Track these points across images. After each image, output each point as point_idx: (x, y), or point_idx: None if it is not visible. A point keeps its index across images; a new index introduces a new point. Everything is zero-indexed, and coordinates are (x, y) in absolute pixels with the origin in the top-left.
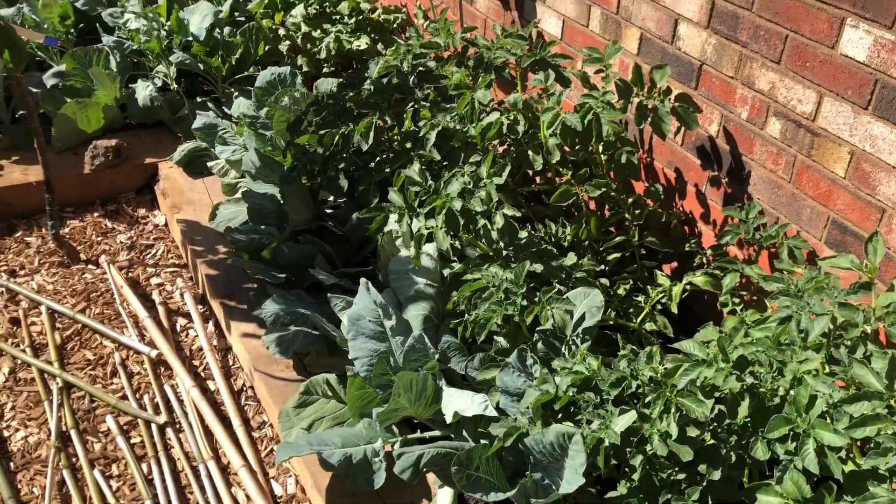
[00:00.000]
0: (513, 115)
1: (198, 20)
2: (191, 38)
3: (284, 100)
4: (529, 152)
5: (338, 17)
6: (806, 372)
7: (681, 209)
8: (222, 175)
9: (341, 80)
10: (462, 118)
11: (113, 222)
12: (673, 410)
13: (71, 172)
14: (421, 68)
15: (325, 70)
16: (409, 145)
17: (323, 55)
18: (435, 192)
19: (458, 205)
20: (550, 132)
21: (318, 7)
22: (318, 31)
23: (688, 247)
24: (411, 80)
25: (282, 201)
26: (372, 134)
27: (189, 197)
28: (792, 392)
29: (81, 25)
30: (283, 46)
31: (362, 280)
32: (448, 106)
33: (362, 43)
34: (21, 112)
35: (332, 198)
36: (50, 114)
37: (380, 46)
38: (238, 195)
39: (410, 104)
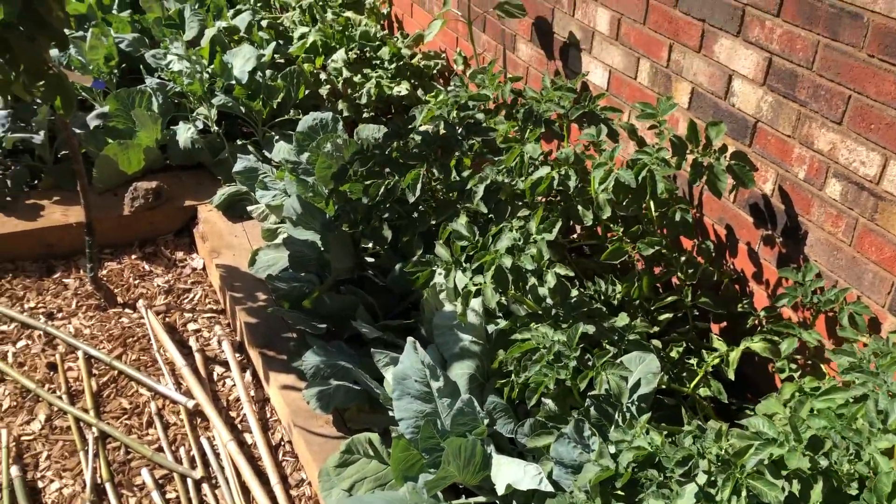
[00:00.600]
0: (564, 170)
1: (240, 63)
2: (233, 82)
3: (327, 146)
4: (579, 207)
5: (378, 62)
6: (881, 452)
7: (731, 267)
8: (262, 219)
9: (382, 125)
10: (510, 171)
11: (151, 265)
12: (743, 493)
13: (111, 214)
14: (469, 120)
15: (364, 115)
16: (454, 194)
17: (364, 100)
18: (483, 247)
19: (507, 262)
20: (602, 188)
21: (358, 52)
22: (359, 75)
23: (740, 307)
24: (459, 131)
25: (322, 248)
26: (419, 186)
27: (228, 241)
28: (871, 477)
29: (124, 65)
30: (324, 90)
31: (409, 339)
32: (496, 158)
33: (402, 89)
34: (63, 152)
35: (371, 244)
36: (92, 154)
37: (419, 92)
38: (278, 241)
39: (457, 155)
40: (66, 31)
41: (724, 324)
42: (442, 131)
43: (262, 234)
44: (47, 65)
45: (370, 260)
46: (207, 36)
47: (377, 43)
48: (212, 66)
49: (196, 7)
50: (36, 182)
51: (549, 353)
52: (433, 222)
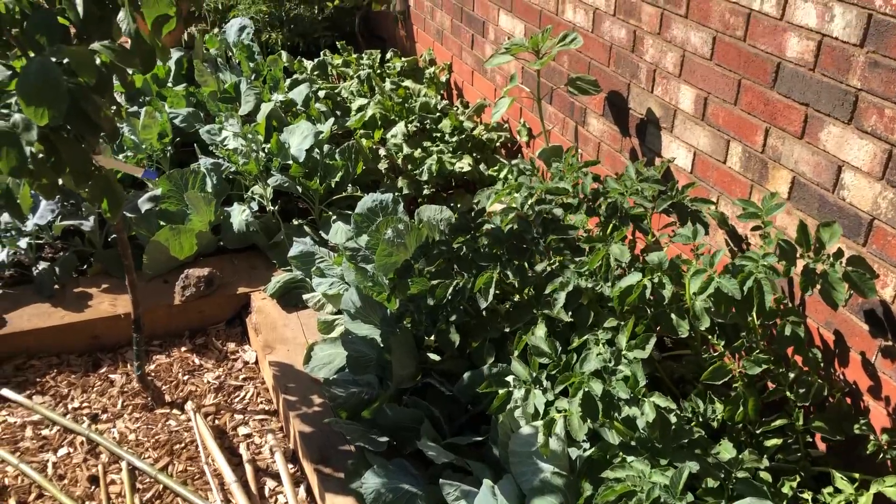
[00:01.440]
0: (658, 278)
1: (297, 141)
2: (290, 161)
3: (388, 232)
4: (673, 316)
5: (438, 135)
6: None
7: (841, 378)
8: (318, 308)
9: (444, 206)
10: (592, 273)
11: (201, 358)
12: None
13: (160, 303)
14: (546, 215)
15: (425, 191)
16: (528, 290)
17: (425, 177)
18: (566, 366)
19: (597, 388)
20: (703, 297)
21: (418, 124)
22: (419, 149)
23: (857, 429)
24: (534, 228)
25: (382, 345)
26: (492, 291)
27: (282, 334)
28: None
29: (177, 139)
30: (382, 165)
31: (486, 482)
32: (577, 259)
33: (464, 164)
34: (114, 236)
35: (433, 337)
36: (142, 239)
37: (482, 167)
38: (335, 334)
39: (533, 253)
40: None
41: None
42: (513, 223)
43: (318, 327)
44: (95, 167)
45: (433, 357)
46: (264, 111)
47: (437, 115)
48: (269, 146)
49: (252, 79)
50: (85, 267)
51: (647, 498)
52: (507, 330)
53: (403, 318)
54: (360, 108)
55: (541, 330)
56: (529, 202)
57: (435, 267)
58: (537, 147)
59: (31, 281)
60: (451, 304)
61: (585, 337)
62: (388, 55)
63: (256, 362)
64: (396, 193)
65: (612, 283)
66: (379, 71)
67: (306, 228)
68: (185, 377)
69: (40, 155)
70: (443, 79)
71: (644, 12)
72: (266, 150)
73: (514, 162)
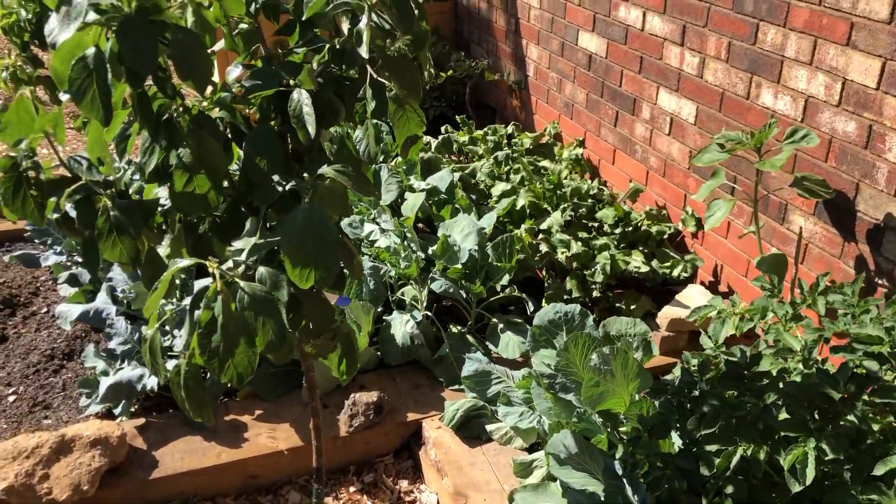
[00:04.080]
0: None
1: (459, 239)
2: (458, 265)
3: (593, 358)
4: None
5: (594, 224)
6: None
7: None
8: (504, 442)
9: (639, 321)
10: None
11: (373, 501)
12: None
13: (325, 435)
14: (856, 369)
15: (595, 294)
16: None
17: (599, 278)
18: None
19: None
20: None
21: (572, 213)
22: (579, 243)
23: None
24: (843, 386)
25: (605, 501)
26: (809, 470)
27: (471, 477)
28: None
29: None
30: (538, 259)
31: None
32: None
33: (640, 262)
34: None
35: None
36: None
37: (654, 263)
38: (534, 479)
39: (845, 414)
40: None
41: None
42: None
43: (513, 468)
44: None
45: None
46: (412, 204)
47: (589, 201)
48: (433, 249)
49: (381, 160)
50: (230, 385)
51: None
52: None
53: (635, 472)
54: (504, 195)
55: None
56: (815, 351)
57: (715, 430)
58: (707, 240)
59: (174, 403)
60: (729, 469)
61: None
62: (510, 129)
63: None
64: (567, 298)
65: None
66: (507, 151)
67: (470, 338)
68: None
69: None
70: (574, 154)
71: (888, 106)
72: (431, 253)
73: (687, 258)
